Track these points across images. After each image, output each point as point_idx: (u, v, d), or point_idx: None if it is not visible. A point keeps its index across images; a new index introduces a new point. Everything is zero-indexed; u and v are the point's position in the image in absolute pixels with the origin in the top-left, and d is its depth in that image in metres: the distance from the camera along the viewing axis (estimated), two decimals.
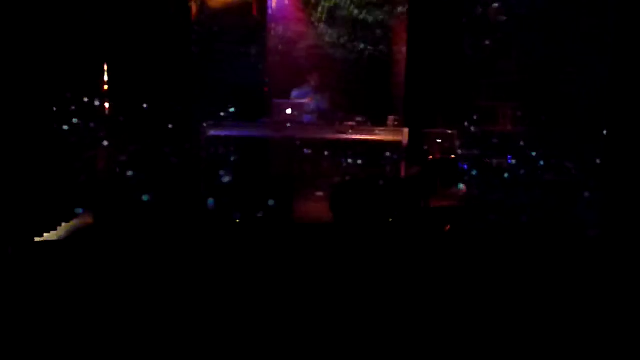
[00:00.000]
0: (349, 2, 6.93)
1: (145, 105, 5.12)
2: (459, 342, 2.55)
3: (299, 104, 5.83)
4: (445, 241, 4.19)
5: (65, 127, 4.41)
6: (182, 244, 3.73)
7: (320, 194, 5.46)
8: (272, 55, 6.66)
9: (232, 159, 5.35)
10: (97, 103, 4.94)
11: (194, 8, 6.21)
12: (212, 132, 5.43)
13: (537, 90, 5.70)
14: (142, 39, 5.11)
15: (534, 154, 5.37)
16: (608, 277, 3.32)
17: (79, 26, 4.47)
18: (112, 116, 5.09)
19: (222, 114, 5.67)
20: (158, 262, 3.39)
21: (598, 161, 4.91)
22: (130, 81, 5.13)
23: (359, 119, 5.85)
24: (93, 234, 4.20)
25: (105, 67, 5.10)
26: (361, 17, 6.93)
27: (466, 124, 5.89)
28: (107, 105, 5.12)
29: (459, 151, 5.67)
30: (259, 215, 4.14)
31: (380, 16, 6.91)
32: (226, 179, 4.70)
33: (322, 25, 6.97)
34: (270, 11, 6.74)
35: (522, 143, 5.50)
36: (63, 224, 4.13)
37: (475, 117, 5.93)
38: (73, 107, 4.54)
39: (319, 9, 6.92)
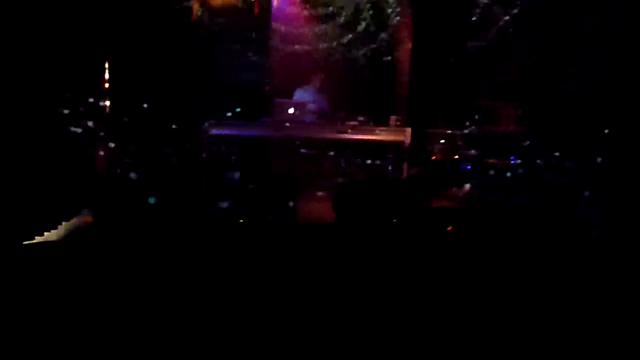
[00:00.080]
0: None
1: (145, 105, 5.10)
2: (463, 343, 2.54)
3: (301, 103, 5.82)
4: (447, 242, 4.18)
5: (65, 126, 4.39)
6: (183, 244, 3.71)
7: (321, 194, 5.44)
8: (274, 55, 6.63)
9: (234, 158, 5.33)
10: (96, 102, 4.91)
11: (194, 7, 6.20)
12: (214, 132, 5.42)
13: (539, 90, 5.68)
14: (142, 38, 5.09)
15: (536, 154, 5.35)
16: (612, 278, 3.30)
17: (79, 25, 4.45)
18: (112, 115, 5.07)
19: (223, 113, 5.64)
20: (159, 262, 3.38)
21: (599, 160, 4.89)
22: (131, 80, 5.11)
23: (360, 118, 5.84)
24: (92, 233, 4.18)
25: (106, 67, 5.09)
26: (364, 15, 6.90)
27: (469, 124, 5.87)
28: (107, 104, 5.10)
29: (462, 151, 5.65)
30: (262, 215, 4.13)
31: (384, 15, 6.88)
32: (228, 179, 4.68)
33: (325, 24, 6.95)
34: (272, 10, 6.72)
35: (524, 143, 5.47)
36: (63, 223, 4.10)
37: (478, 117, 5.91)
38: (72, 106, 4.51)
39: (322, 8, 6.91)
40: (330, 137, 5.77)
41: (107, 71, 5.10)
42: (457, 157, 5.59)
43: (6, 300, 2.77)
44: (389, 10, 6.83)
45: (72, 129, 4.49)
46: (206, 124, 5.39)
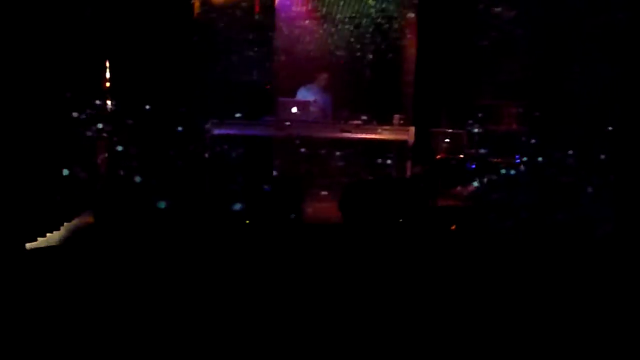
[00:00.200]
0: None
1: (147, 104, 5.07)
2: (469, 342, 2.52)
3: (304, 102, 5.79)
4: (453, 241, 4.16)
5: (66, 127, 4.35)
6: (186, 244, 3.69)
7: (324, 193, 5.42)
8: (278, 54, 6.61)
9: (237, 158, 5.30)
10: (98, 102, 4.89)
11: (196, 5, 6.17)
12: (216, 131, 5.39)
13: (543, 88, 5.66)
14: (143, 37, 5.07)
15: (541, 152, 5.33)
16: (618, 277, 3.29)
17: (81, 26, 4.42)
18: (113, 114, 5.04)
19: (225, 112, 5.61)
20: (161, 262, 3.36)
21: (602, 157, 4.87)
22: (133, 80, 5.09)
23: (364, 117, 5.81)
24: (94, 234, 4.15)
25: (107, 67, 5.06)
26: (369, 14, 6.88)
27: (473, 123, 5.84)
28: (108, 103, 5.08)
29: (467, 150, 5.62)
30: (268, 216, 4.09)
31: (389, 14, 6.86)
32: (231, 179, 4.65)
33: (329, 23, 6.92)
34: (276, 9, 6.69)
35: (529, 142, 5.45)
36: (65, 224, 4.07)
37: (482, 116, 5.89)
38: (74, 107, 4.48)
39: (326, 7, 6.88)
40: (333, 136, 5.75)
41: (108, 71, 5.08)
42: (462, 156, 5.56)
43: (9, 302, 2.74)
44: (393, 10, 6.82)
45: (74, 129, 4.46)
46: (209, 124, 5.35)
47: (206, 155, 5.22)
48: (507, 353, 2.46)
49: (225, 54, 6.17)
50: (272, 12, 6.65)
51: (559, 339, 2.52)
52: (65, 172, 4.20)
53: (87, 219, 4.33)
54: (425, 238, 4.09)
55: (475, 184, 5.11)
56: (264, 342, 2.47)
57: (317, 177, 5.69)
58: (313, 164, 5.88)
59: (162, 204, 4.31)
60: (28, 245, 3.42)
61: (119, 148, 4.93)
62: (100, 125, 4.86)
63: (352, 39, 6.91)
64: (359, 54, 6.93)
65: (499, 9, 5.99)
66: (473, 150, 5.61)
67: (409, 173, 5.63)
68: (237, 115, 5.56)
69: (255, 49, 6.37)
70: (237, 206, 4.14)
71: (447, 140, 5.67)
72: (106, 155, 4.98)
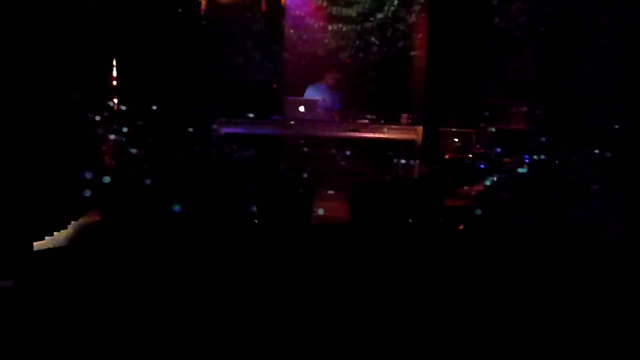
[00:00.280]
0: None
1: (154, 102, 5.05)
2: (479, 343, 2.52)
3: (312, 101, 5.77)
4: (462, 241, 4.14)
5: (73, 125, 4.33)
6: (196, 242, 3.67)
7: (331, 192, 5.39)
8: (286, 52, 6.59)
9: (244, 157, 5.28)
10: (105, 100, 4.87)
11: (203, 4, 6.15)
12: (224, 130, 5.37)
13: (552, 87, 5.62)
14: (150, 36, 5.05)
15: (550, 152, 5.29)
16: (627, 277, 3.28)
17: (88, 24, 4.40)
18: (120, 113, 5.02)
19: (233, 111, 5.59)
20: (169, 260, 3.34)
21: (613, 156, 4.83)
22: (140, 79, 5.07)
23: (371, 116, 5.78)
24: (101, 232, 4.14)
25: (114, 65, 5.04)
26: (378, 13, 6.85)
27: (482, 122, 5.81)
28: (115, 101, 5.06)
29: (476, 150, 5.58)
30: (276, 215, 4.07)
31: (398, 13, 6.83)
32: (238, 178, 4.63)
33: (337, 22, 6.89)
34: (285, 7, 6.66)
35: (539, 141, 5.41)
36: (72, 223, 4.06)
37: (491, 116, 5.85)
38: (80, 105, 4.46)
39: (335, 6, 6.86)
40: (341, 135, 5.73)
41: (115, 69, 5.06)
42: (470, 155, 5.52)
43: (18, 301, 2.76)
44: (402, 9, 6.78)
45: (80, 127, 4.44)
46: (216, 123, 5.33)
47: (214, 153, 5.19)
48: (517, 353, 2.45)
49: (232, 52, 6.15)
50: (282, 11, 6.63)
51: (569, 340, 2.51)
52: (72, 170, 4.18)
53: (94, 217, 4.33)
54: (434, 238, 4.07)
55: (484, 183, 5.07)
56: (273, 341, 2.46)
57: (323, 176, 5.65)
58: (320, 163, 5.85)
59: (166, 201, 4.30)
60: (36, 244, 3.41)
61: (126, 145, 4.91)
62: (106, 124, 4.84)
63: (360, 38, 6.88)
64: (366, 53, 6.90)
65: (508, 8, 5.94)
66: (482, 150, 5.57)
67: (416, 172, 5.61)
68: (245, 113, 5.54)
69: (263, 47, 6.35)
70: (246, 205, 4.12)
71: (456, 139, 5.63)
72: (113, 153, 4.96)
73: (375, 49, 6.89)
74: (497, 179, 5.13)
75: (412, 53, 6.77)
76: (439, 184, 4.89)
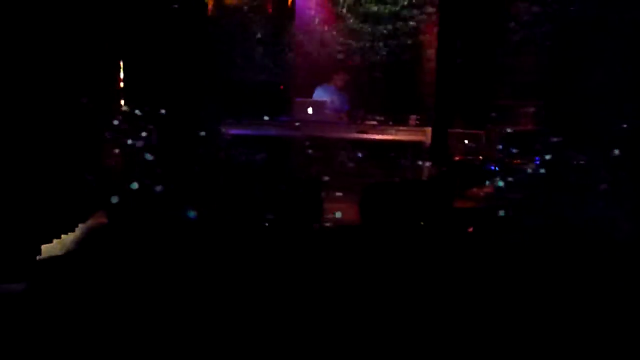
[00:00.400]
0: None
1: (160, 104, 5.03)
2: (488, 345, 2.53)
3: (321, 102, 5.74)
4: (473, 244, 4.12)
5: (79, 127, 4.32)
6: (203, 244, 3.65)
7: (339, 194, 5.36)
8: (294, 54, 6.57)
9: (252, 159, 5.25)
10: (111, 102, 4.86)
11: (210, 5, 6.14)
12: (231, 131, 5.35)
13: (563, 88, 5.58)
14: (157, 38, 5.03)
15: (561, 153, 5.25)
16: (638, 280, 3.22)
17: (94, 27, 4.39)
18: (126, 114, 5.01)
19: (240, 112, 5.57)
20: (177, 263, 3.31)
21: (623, 157, 4.80)
22: (146, 81, 5.06)
23: (380, 118, 5.75)
24: (108, 235, 4.12)
25: (121, 67, 5.03)
26: (387, 14, 6.83)
27: (492, 123, 5.78)
28: (122, 103, 5.05)
29: (485, 152, 5.55)
30: (287, 217, 4.04)
31: (407, 14, 6.81)
32: (247, 180, 4.60)
33: (346, 23, 6.87)
34: (294, 8, 6.65)
35: (549, 143, 5.37)
36: (80, 225, 4.05)
37: (501, 117, 5.82)
38: (87, 107, 4.44)
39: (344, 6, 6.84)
40: (349, 136, 5.70)
41: (122, 71, 5.04)
42: (481, 157, 5.49)
43: (26, 305, 2.74)
44: (411, 10, 6.76)
45: (86, 129, 4.42)
46: (223, 124, 5.31)
47: (221, 155, 5.17)
48: (526, 353, 2.46)
49: (240, 54, 6.14)
50: (291, 12, 6.61)
51: (579, 340, 2.51)
52: (80, 172, 4.17)
53: (100, 219, 4.31)
54: (444, 240, 4.04)
55: (496, 185, 5.03)
56: (284, 343, 2.47)
57: (331, 177, 5.62)
58: (327, 164, 5.82)
59: (184, 210, 4.28)
60: (44, 248, 3.39)
61: (133, 148, 4.90)
62: (113, 126, 4.82)
63: (369, 39, 6.86)
64: (375, 54, 6.87)
65: (518, 9, 5.92)
66: (492, 152, 5.53)
67: (425, 174, 5.57)
68: (253, 115, 5.53)
69: (271, 49, 6.34)
70: (255, 208, 4.09)
71: (465, 141, 5.60)
72: (119, 155, 4.95)
73: (384, 50, 6.86)
74: (508, 180, 5.09)
75: (421, 54, 6.73)
76: (449, 186, 4.86)
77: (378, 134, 5.69)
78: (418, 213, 4.04)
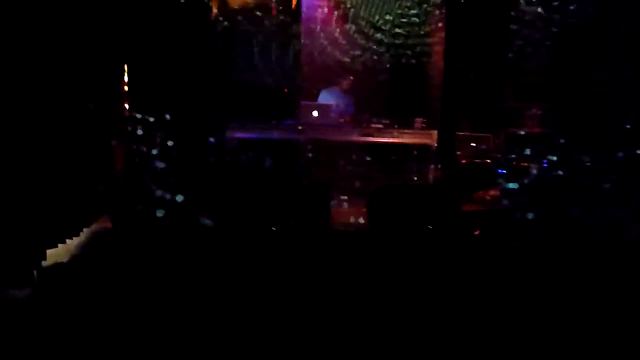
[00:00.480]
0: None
1: (165, 107, 5.00)
2: (497, 349, 2.52)
3: (326, 106, 5.71)
4: (481, 248, 4.09)
5: (83, 129, 4.29)
6: (209, 248, 3.63)
7: (344, 197, 5.34)
8: (300, 57, 6.55)
9: (257, 162, 5.22)
10: (116, 105, 4.83)
11: (214, 8, 6.12)
12: (237, 135, 5.32)
13: (570, 90, 5.55)
14: (160, 41, 5.01)
15: (569, 156, 5.22)
16: None
17: (99, 29, 4.37)
18: (131, 118, 4.98)
19: (245, 116, 5.54)
20: (182, 268, 3.29)
21: (632, 159, 4.76)
22: (151, 84, 5.03)
23: (385, 121, 5.72)
24: (112, 239, 4.10)
25: (126, 70, 5.00)
26: (393, 17, 6.81)
27: (500, 126, 5.75)
28: (126, 107, 5.02)
29: (493, 154, 5.52)
30: (294, 221, 4.01)
31: (413, 17, 6.79)
32: (253, 183, 4.57)
33: (352, 27, 6.86)
34: (301, 11, 6.63)
35: (557, 145, 5.34)
36: (84, 230, 4.02)
37: (509, 119, 5.79)
38: (91, 109, 4.42)
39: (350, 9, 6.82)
40: (354, 140, 5.66)
41: (127, 74, 5.02)
42: (488, 160, 5.46)
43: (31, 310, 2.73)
44: (417, 14, 6.74)
45: (91, 132, 4.39)
46: (228, 128, 5.28)
47: (227, 159, 5.15)
48: (536, 357, 2.44)
49: (244, 57, 6.12)
50: (297, 15, 6.59)
51: (588, 342, 2.50)
52: (84, 176, 4.14)
53: (105, 223, 4.29)
54: (453, 244, 4.02)
55: (504, 188, 5.00)
56: (292, 347, 2.45)
57: (337, 181, 5.59)
58: (332, 168, 5.80)
59: (178, 206, 4.24)
60: (49, 252, 3.36)
61: (138, 151, 4.87)
62: (118, 129, 4.80)
63: (375, 42, 6.84)
64: (381, 57, 6.85)
65: (525, 11, 5.89)
66: (499, 154, 5.50)
67: (431, 177, 5.54)
68: (258, 118, 5.50)
69: (276, 52, 6.31)
70: (261, 211, 4.05)
71: (473, 144, 5.56)
72: (124, 158, 4.92)
73: (389, 53, 6.84)
74: (516, 183, 5.06)
75: (426, 57, 6.71)
76: (456, 189, 4.83)
77: (383, 136, 5.65)
78: (426, 217, 4.01)
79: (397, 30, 6.79)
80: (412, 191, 4.24)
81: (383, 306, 2.81)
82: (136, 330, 2.56)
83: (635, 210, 4.44)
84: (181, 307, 2.77)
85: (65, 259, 3.49)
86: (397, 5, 6.80)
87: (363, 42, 6.81)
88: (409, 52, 6.77)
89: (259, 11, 6.46)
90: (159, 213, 4.18)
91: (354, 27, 6.85)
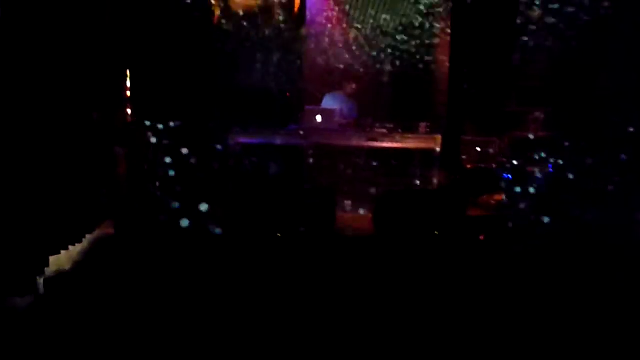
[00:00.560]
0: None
1: (167, 112, 4.98)
2: (504, 353, 2.53)
3: (330, 110, 5.68)
4: (487, 253, 4.07)
5: (86, 137, 4.27)
6: (212, 255, 3.61)
7: (348, 202, 5.31)
8: (303, 61, 6.54)
9: (262, 167, 5.20)
10: (119, 111, 4.82)
11: (216, 13, 6.11)
12: (239, 140, 5.30)
13: (575, 94, 5.53)
14: (165, 46, 5.00)
15: (574, 160, 5.19)
16: None
17: (101, 36, 4.36)
18: (133, 124, 4.96)
19: (248, 121, 5.52)
20: (185, 275, 3.26)
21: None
22: (153, 90, 5.01)
23: (389, 125, 5.68)
24: (115, 245, 4.08)
25: (128, 76, 4.99)
26: (398, 22, 6.80)
27: (505, 130, 5.72)
28: (129, 112, 5.01)
29: (498, 159, 5.49)
30: (299, 228, 3.98)
31: (417, 21, 6.79)
32: (257, 189, 4.54)
33: (356, 31, 6.84)
34: (305, 15, 6.62)
35: (562, 149, 5.31)
36: (87, 236, 3.99)
37: (514, 124, 5.76)
38: (94, 116, 4.40)
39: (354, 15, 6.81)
40: (358, 144, 5.63)
41: (130, 80, 5.00)
42: (494, 165, 5.42)
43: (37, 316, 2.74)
44: (421, 18, 6.73)
45: (93, 138, 4.37)
46: (232, 133, 5.26)
47: (231, 165, 5.12)
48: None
49: (247, 61, 6.10)
50: (302, 20, 6.58)
51: (595, 346, 2.51)
52: (87, 183, 4.12)
53: (107, 229, 4.27)
54: (459, 249, 4.00)
55: (509, 192, 4.97)
56: (299, 353, 2.44)
57: (341, 186, 5.56)
58: (335, 173, 5.76)
59: (181, 213, 4.22)
60: (51, 259, 3.34)
61: (140, 157, 4.85)
62: (120, 135, 4.78)
63: (378, 47, 6.83)
64: (384, 61, 6.83)
65: (529, 16, 5.88)
66: (508, 159, 5.47)
67: (436, 182, 5.50)
68: (261, 123, 5.48)
69: (280, 56, 6.30)
70: (265, 217, 4.02)
71: (478, 148, 5.53)
72: (126, 164, 4.90)
73: (393, 57, 6.83)
74: (521, 188, 5.03)
75: (430, 62, 6.70)
76: (462, 194, 4.81)
77: (387, 141, 5.62)
78: (432, 223, 3.98)
79: (401, 34, 6.79)
80: (418, 196, 4.20)
81: (390, 309, 2.82)
82: (139, 336, 2.56)
83: None
84: (185, 313, 2.76)
85: (68, 266, 3.47)
86: (401, 10, 6.79)
87: (367, 46, 6.80)
88: (413, 57, 6.77)
89: (263, 15, 6.45)
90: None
91: (358, 32, 6.84)
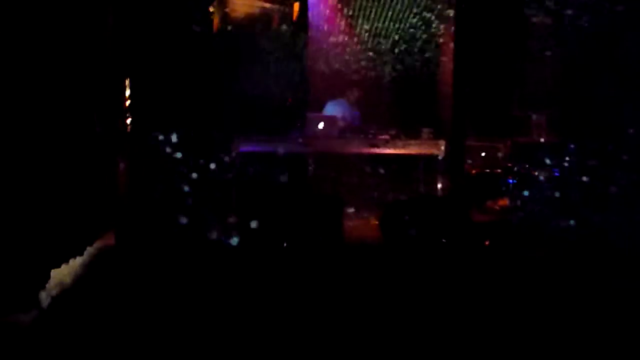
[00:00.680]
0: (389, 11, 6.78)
1: (168, 121, 4.94)
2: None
3: (332, 117, 5.65)
4: (493, 259, 4.04)
5: (86, 147, 4.22)
6: (216, 266, 3.55)
7: (351, 210, 5.27)
8: (305, 68, 6.51)
9: (265, 176, 5.15)
10: (119, 120, 4.77)
11: (216, 20, 6.09)
12: (242, 149, 5.25)
13: (580, 99, 5.51)
14: (165, 54, 4.96)
15: (579, 164, 5.17)
16: None
17: (101, 44, 4.32)
18: (133, 133, 4.92)
19: (250, 129, 5.47)
20: (187, 284, 3.20)
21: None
22: (153, 98, 4.97)
23: (392, 132, 5.65)
24: (116, 258, 4.03)
25: (127, 84, 4.95)
26: (400, 28, 6.79)
27: (509, 135, 5.69)
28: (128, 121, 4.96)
29: (503, 164, 5.46)
30: (305, 237, 3.92)
31: (420, 27, 6.78)
32: (261, 198, 4.49)
33: (359, 38, 6.82)
34: (307, 23, 6.60)
35: (568, 154, 5.28)
36: (88, 248, 3.94)
37: (519, 128, 5.73)
38: (94, 126, 4.35)
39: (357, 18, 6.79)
40: (361, 151, 5.60)
41: (129, 89, 4.96)
42: (499, 170, 5.39)
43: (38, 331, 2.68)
44: (424, 24, 6.72)
45: (94, 149, 4.33)
46: (234, 142, 5.21)
47: (232, 172, 5.07)
48: None
49: (249, 69, 6.07)
50: (304, 27, 6.56)
51: (603, 353, 2.47)
52: (88, 194, 4.06)
53: (107, 241, 4.22)
54: (465, 256, 3.96)
55: (515, 198, 4.94)
56: None
57: (344, 193, 5.52)
58: (340, 180, 5.73)
59: (184, 223, 4.16)
60: (53, 273, 3.28)
61: (142, 167, 4.80)
62: (119, 145, 4.73)
63: (381, 53, 6.81)
64: (387, 68, 6.81)
65: (533, 21, 5.88)
66: (513, 165, 5.43)
67: (439, 187, 5.47)
68: (263, 131, 5.44)
69: (281, 63, 6.27)
70: (268, 226, 3.96)
71: (482, 153, 5.49)
72: (128, 175, 4.85)
73: (395, 63, 6.81)
74: (527, 193, 5.00)
75: (433, 68, 6.68)
76: (467, 201, 4.78)
77: (390, 148, 5.58)
78: (440, 230, 3.93)
79: (404, 40, 6.79)
80: (424, 204, 4.16)
81: (398, 317, 2.79)
82: (142, 347, 2.52)
83: None
84: (189, 325, 2.72)
85: (69, 279, 3.42)
86: (404, 16, 6.78)
87: (370, 52, 6.79)
88: (416, 63, 6.75)
89: (265, 22, 6.44)
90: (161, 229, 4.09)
91: (360, 38, 6.83)
